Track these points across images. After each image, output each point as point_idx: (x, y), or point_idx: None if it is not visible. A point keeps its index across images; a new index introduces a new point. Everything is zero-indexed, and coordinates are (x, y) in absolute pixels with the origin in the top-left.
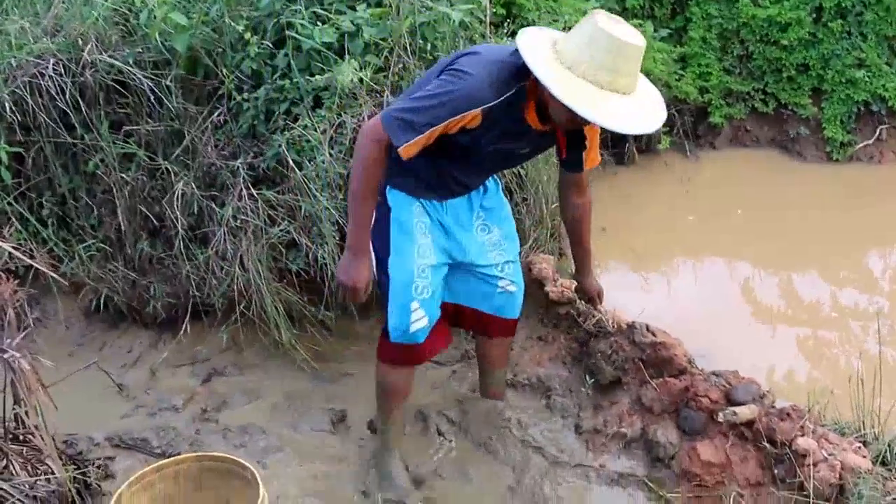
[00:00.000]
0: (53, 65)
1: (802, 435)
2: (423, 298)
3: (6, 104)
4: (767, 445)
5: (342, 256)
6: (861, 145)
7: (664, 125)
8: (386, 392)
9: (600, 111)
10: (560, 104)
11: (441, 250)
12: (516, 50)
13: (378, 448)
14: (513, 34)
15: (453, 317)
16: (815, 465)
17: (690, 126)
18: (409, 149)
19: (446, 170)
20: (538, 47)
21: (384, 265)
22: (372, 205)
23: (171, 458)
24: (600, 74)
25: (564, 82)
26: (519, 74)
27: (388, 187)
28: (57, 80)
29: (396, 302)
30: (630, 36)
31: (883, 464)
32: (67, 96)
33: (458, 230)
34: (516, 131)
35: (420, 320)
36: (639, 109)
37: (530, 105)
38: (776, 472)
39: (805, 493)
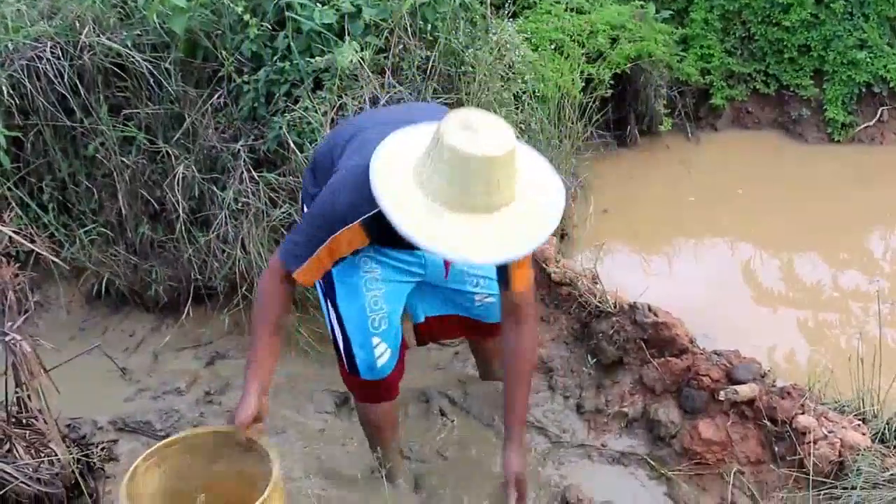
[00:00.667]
0: (51, 48)
1: (803, 413)
2: (383, 330)
3: (4, 88)
4: (768, 423)
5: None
6: (862, 126)
7: (666, 107)
8: (374, 428)
9: (440, 238)
10: None
11: (395, 272)
12: None
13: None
14: (514, 15)
15: (439, 327)
16: (815, 442)
17: (692, 108)
18: (303, 274)
19: None
20: (393, 162)
21: (333, 303)
22: (268, 343)
23: (187, 432)
24: (455, 194)
25: (405, 207)
26: None
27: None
28: (55, 64)
29: (357, 340)
30: (489, 146)
31: (882, 441)
32: (66, 79)
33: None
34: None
35: (384, 354)
36: (499, 231)
37: None
38: (776, 449)
39: (805, 470)
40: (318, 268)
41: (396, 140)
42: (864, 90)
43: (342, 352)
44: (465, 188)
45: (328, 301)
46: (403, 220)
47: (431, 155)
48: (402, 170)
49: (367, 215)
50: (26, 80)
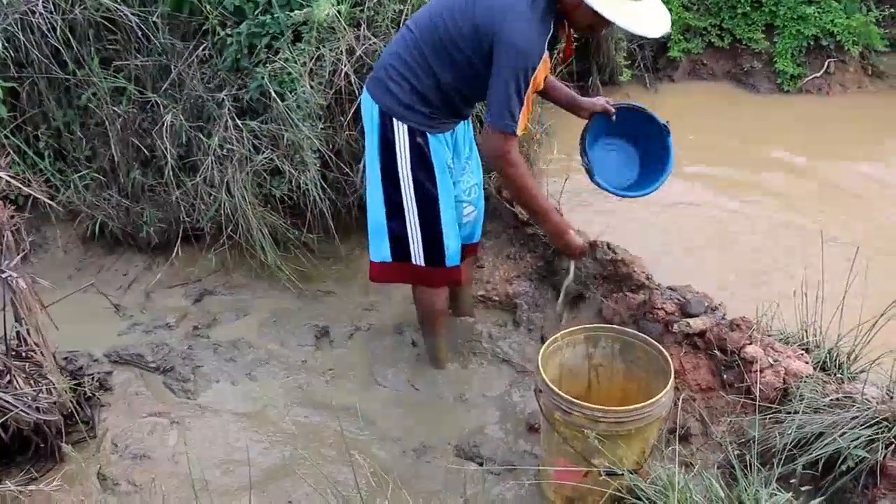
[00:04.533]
0: (43, 2)
1: (750, 344)
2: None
3: None
4: (718, 353)
5: (554, 238)
6: (810, 78)
7: (626, 59)
8: (437, 314)
9: (639, 22)
10: (594, 21)
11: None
12: None
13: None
14: None
15: None
16: (761, 371)
17: (650, 60)
18: (520, 127)
19: (465, 103)
20: None
21: (434, 204)
22: (543, 195)
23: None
24: None
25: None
26: (550, 3)
27: (427, 133)
28: (47, 18)
29: (451, 232)
30: None
31: (823, 369)
32: (58, 33)
33: (456, 154)
34: (549, 50)
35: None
36: (655, 13)
37: (565, 25)
38: (726, 377)
39: (752, 396)
40: (525, 113)
41: None
42: (812, 44)
43: (421, 245)
44: None
45: (425, 201)
46: (609, 11)
47: None
48: None
49: (548, 38)
50: (20, 34)
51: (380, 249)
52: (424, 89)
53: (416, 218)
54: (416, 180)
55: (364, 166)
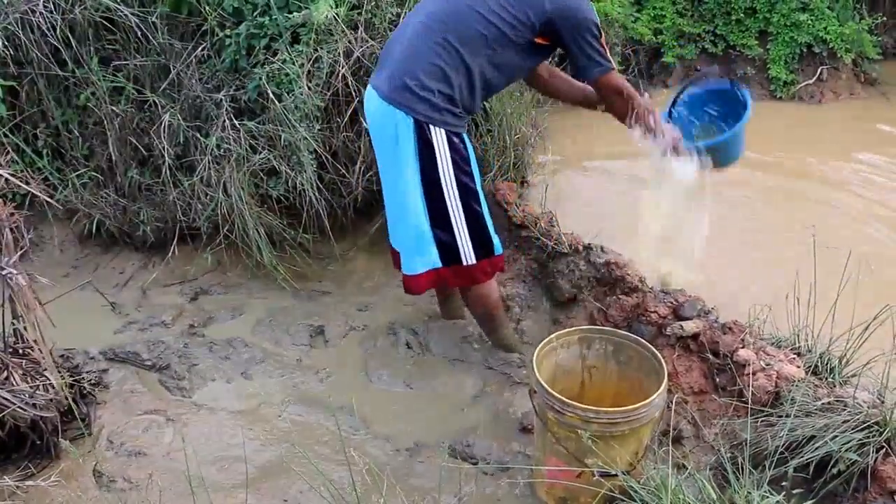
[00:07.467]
0: (43, 2)
1: (743, 347)
2: None
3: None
4: (711, 357)
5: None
6: (803, 84)
7: (620, 64)
8: (497, 304)
9: None
10: None
11: None
12: None
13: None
14: None
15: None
16: (753, 374)
17: (645, 65)
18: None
19: (484, 93)
20: None
21: (476, 198)
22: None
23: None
24: None
25: None
26: None
27: (462, 134)
28: (47, 17)
29: (490, 222)
30: None
31: (814, 373)
32: (58, 32)
33: None
34: None
35: None
36: None
37: None
38: (718, 380)
39: (744, 399)
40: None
41: None
42: (805, 50)
43: (470, 242)
44: None
45: (472, 195)
46: None
47: None
48: None
49: None
50: (20, 33)
51: (426, 259)
52: (457, 87)
53: (462, 218)
54: (459, 182)
55: (389, 178)
